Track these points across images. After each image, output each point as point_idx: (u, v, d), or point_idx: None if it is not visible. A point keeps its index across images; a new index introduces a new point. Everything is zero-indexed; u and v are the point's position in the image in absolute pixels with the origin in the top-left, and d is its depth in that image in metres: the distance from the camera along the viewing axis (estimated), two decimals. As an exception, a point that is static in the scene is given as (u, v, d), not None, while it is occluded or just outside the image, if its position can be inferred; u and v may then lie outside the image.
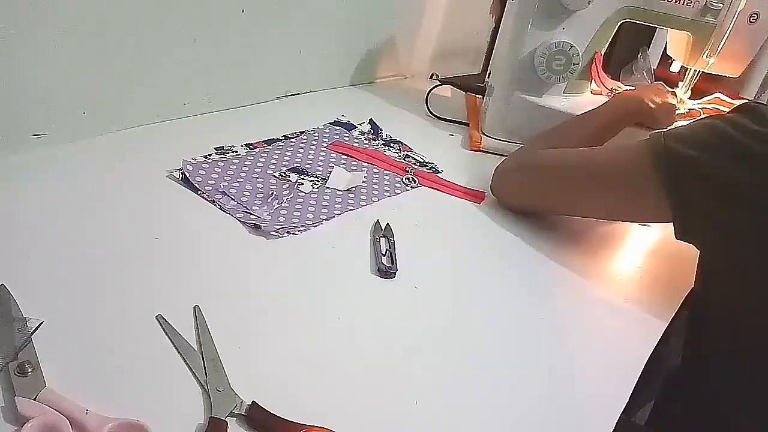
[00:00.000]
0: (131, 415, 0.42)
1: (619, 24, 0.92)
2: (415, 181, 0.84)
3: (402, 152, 0.92)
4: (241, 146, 0.82)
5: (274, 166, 0.79)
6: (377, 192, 0.79)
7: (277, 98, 1.01)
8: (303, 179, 0.78)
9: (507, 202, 0.80)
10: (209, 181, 0.72)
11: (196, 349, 0.49)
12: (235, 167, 0.77)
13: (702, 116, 0.90)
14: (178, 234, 0.64)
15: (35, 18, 0.65)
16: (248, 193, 0.72)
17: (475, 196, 0.83)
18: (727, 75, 0.94)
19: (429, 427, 0.48)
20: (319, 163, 0.83)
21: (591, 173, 0.69)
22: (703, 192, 0.58)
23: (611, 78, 1.01)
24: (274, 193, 0.73)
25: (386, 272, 0.63)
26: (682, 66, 0.98)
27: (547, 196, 0.75)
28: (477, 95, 1.12)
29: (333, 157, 0.86)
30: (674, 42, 0.97)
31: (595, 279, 0.71)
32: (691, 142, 0.59)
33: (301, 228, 0.68)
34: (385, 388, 0.51)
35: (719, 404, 0.66)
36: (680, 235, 0.61)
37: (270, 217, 0.69)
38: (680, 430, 0.75)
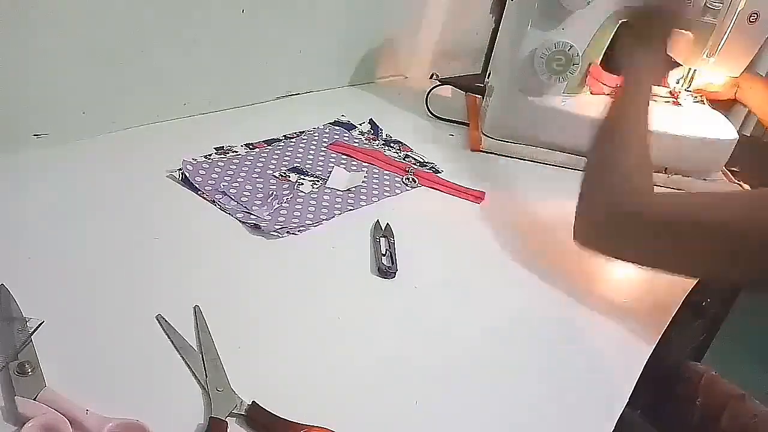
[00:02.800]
0: (131, 415, 0.42)
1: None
2: (415, 181, 0.84)
3: (402, 152, 0.92)
4: (241, 146, 0.82)
5: (274, 166, 0.79)
6: (377, 192, 0.79)
7: (277, 98, 1.01)
8: (303, 179, 0.78)
9: (612, 255, 0.63)
10: (209, 181, 0.72)
11: (196, 349, 0.49)
12: (235, 167, 0.77)
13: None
14: (178, 234, 0.64)
15: (35, 18, 0.65)
16: (248, 193, 0.72)
17: (475, 196, 0.83)
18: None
19: (429, 427, 0.48)
20: (319, 163, 0.83)
21: (725, 237, 0.55)
22: None
23: (615, 74, 1.00)
24: (274, 193, 0.73)
25: (386, 272, 0.63)
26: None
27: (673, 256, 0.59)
28: (477, 95, 1.12)
29: (333, 157, 0.85)
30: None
31: (595, 279, 0.71)
32: None
33: (301, 228, 0.68)
34: (385, 388, 0.51)
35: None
36: None
37: (270, 217, 0.69)
38: (682, 429, 0.75)
